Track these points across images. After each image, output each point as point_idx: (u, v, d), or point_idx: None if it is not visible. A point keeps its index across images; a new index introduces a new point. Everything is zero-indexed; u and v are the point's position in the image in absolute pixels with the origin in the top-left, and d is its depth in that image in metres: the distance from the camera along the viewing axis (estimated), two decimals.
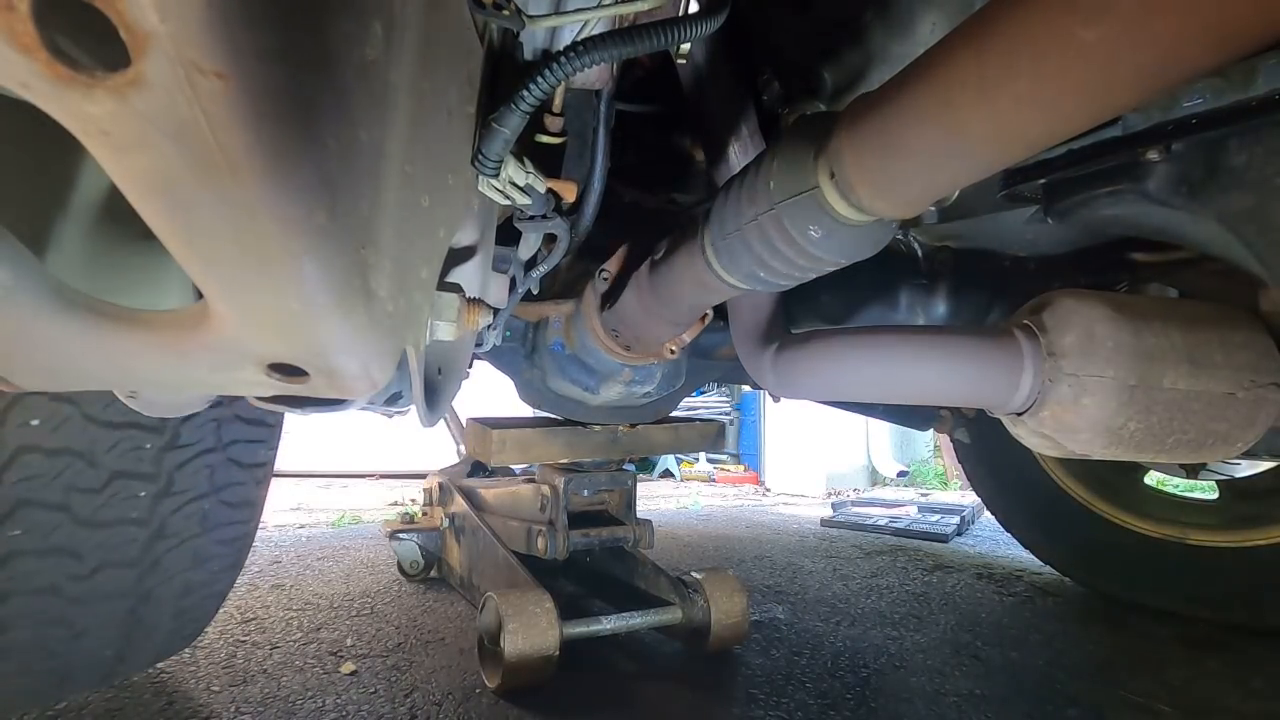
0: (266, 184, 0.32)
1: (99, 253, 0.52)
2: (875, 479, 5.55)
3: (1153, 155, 0.66)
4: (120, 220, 0.51)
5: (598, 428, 1.43)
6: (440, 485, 2.13)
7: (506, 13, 0.51)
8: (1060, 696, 1.37)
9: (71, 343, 0.42)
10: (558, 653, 1.31)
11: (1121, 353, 0.74)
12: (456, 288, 0.62)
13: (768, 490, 5.42)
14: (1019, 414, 0.82)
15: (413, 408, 0.78)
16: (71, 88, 0.28)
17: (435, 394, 0.67)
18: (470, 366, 1.19)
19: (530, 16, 0.57)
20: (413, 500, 4.02)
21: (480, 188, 0.62)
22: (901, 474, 5.41)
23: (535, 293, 0.92)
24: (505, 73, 0.64)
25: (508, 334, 1.29)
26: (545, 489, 1.51)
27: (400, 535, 2.09)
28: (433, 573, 2.14)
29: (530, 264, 0.83)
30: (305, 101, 0.32)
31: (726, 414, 6.19)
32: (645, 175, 1.30)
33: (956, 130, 0.46)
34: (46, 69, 0.27)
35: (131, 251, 0.53)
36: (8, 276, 0.38)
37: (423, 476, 2.43)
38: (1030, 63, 0.40)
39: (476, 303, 0.63)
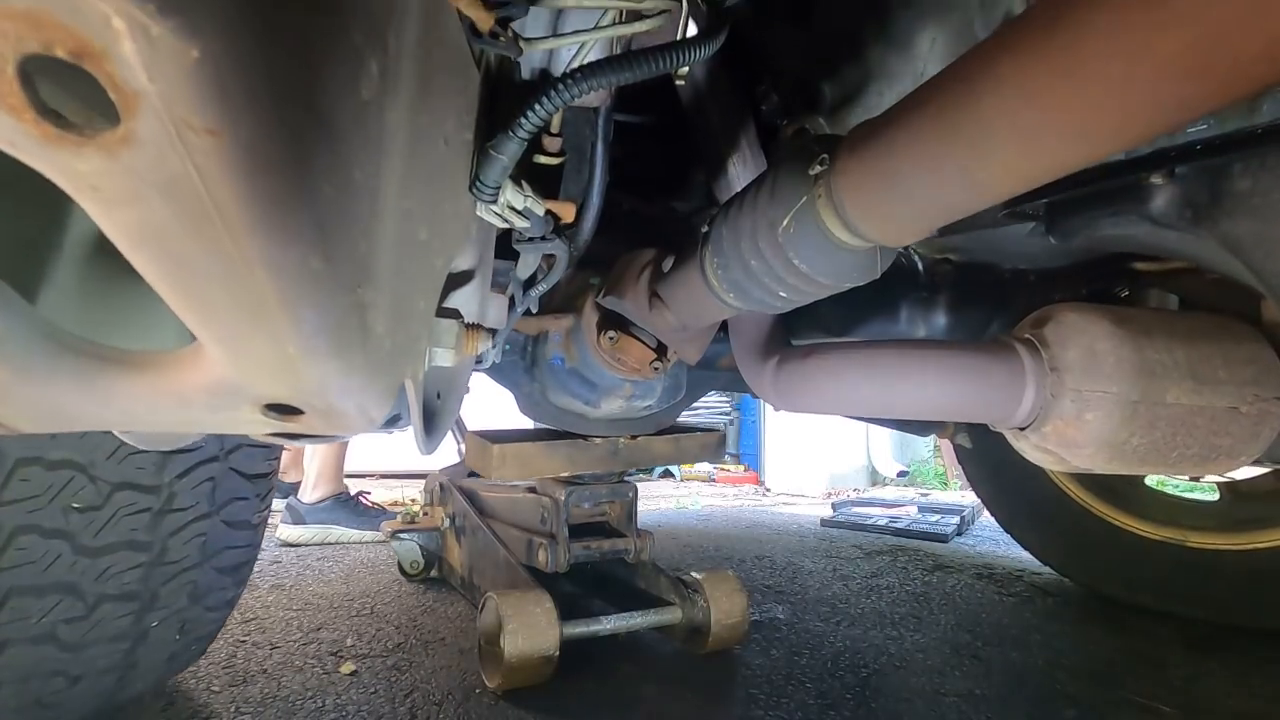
0: (260, 234, 0.32)
1: (93, 288, 0.51)
2: (875, 479, 5.54)
3: (1156, 179, 0.66)
4: (114, 256, 0.50)
5: (598, 440, 1.42)
6: (441, 485, 2.13)
7: (503, 40, 0.50)
8: (1060, 696, 1.37)
9: (67, 386, 0.41)
10: (558, 653, 1.31)
11: (1124, 368, 0.74)
12: (455, 313, 0.62)
13: (768, 490, 5.41)
14: (1022, 429, 0.82)
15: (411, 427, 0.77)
16: (60, 146, 0.27)
17: (434, 419, 0.66)
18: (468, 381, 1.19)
19: (527, 40, 0.56)
20: (412, 500, 4.01)
21: (478, 212, 0.62)
22: (901, 474, 5.41)
23: (534, 311, 0.92)
24: (503, 94, 0.64)
25: (507, 347, 1.28)
26: (546, 501, 1.50)
27: (401, 535, 2.09)
28: (433, 572, 2.14)
29: (529, 283, 0.83)
30: (299, 150, 0.32)
31: (726, 414, 6.18)
32: (643, 183, 1.30)
33: (954, 164, 0.46)
34: (34, 128, 0.26)
35: (126, 286, 0.52)
36: (0, 326, 0.38)
37: (423, 476, 2.42)
38: (1029, 100, 0.39)
39: (475, 328, 0.62)
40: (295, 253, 0.34)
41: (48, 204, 0.48)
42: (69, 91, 0.28)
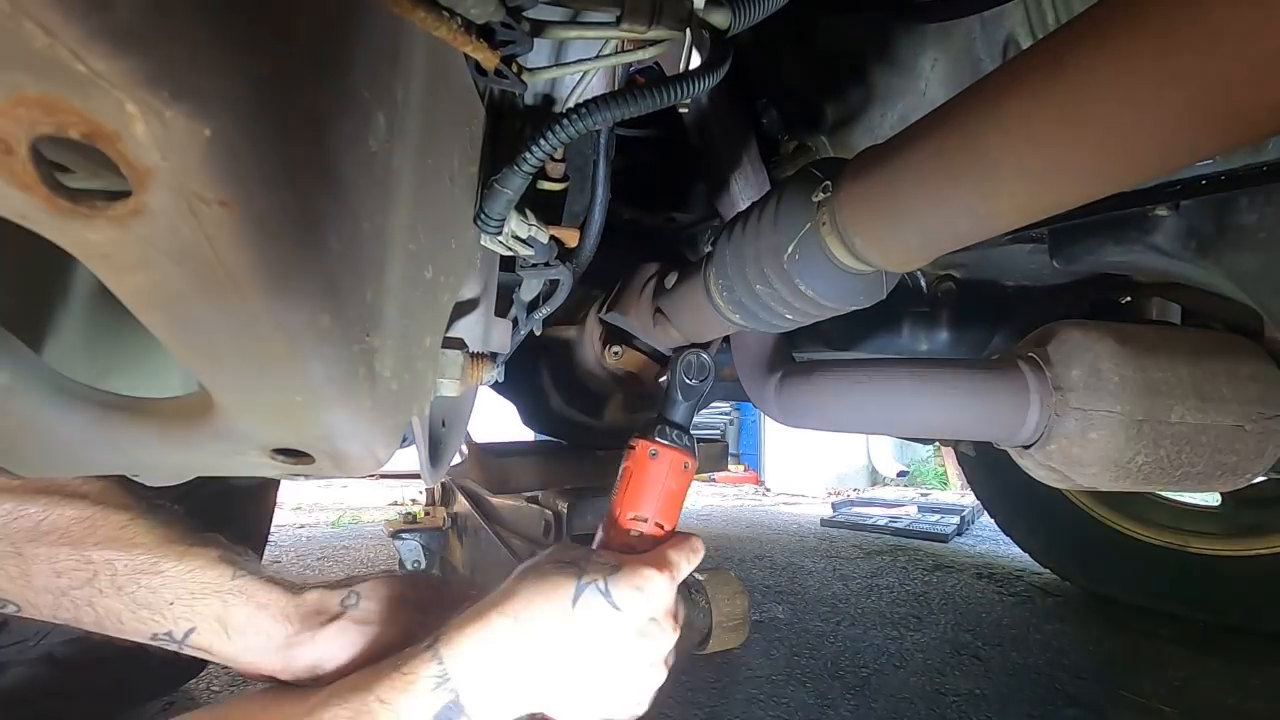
0: (271, 296, 0.32)
1: (98, 336, 0.51)
2: (875, 479, 5.54)
3: (1161, 211, 0.66)
4: (118, 304, 0.51)
5: (601, 452, 1.42)
6: (443, 485, 2.12)
7: (508, 78, 0.50)
8: (1060, 696, 1.37)
9: (74, 435, 0.41)
10: None
11: (1128, 387, 0.74)
12: (460, 343, 0.61)
13: (768, 490, 5.42)
14: (1026, 447, 0.81)
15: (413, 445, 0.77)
16: (71, 218, 0.27)
17: (439, 448, 0.66)
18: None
19: (530, 71, 0.56)
20: (413, 500, 4.01)
21: (482, 242, 0.61)
22: (901, 474, 5.41)
23: (538, 334, 0.91)
24: (506, 121, 0.64)
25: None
26: (549, 514, 1.49)
27: (403, 535, 2.09)
28: (434, 572, 2.14)
29: (532, 305, 0.83)
30: (310, 212, 0.32)
31: (726, 414, 6.18)
32: (644, 194, 1.29)
33: (959, 199, 0.46)
34: (46, 203, 0.26)
35: (131, 333, 0.52)
36: (7, 377, 0.38)
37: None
38: (1035, 144, 0.39)
39: (480, 357, 0.62)
40: (305, 310, 0.34)
41: (51, 255, 0.47)
42: (77, 153, 0.28)
